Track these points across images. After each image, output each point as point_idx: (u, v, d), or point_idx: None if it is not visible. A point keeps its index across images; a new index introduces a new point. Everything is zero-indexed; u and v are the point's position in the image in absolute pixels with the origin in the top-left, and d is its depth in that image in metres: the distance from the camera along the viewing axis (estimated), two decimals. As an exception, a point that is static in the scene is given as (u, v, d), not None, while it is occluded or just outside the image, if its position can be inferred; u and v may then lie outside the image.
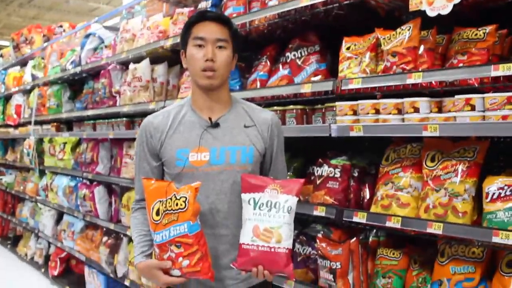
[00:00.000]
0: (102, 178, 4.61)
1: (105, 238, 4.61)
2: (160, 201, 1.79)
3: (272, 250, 1.70)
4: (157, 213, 1.78)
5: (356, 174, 2.57)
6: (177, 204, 1.76)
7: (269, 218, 1.73)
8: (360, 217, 2.32)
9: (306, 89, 2.59)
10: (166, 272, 1.78)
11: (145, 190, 1.84)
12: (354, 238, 2.49)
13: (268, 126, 2.02)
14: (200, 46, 1.89)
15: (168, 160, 1.93)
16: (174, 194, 1.77)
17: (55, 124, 5.80)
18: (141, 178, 1.93)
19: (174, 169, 1.91)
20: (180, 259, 1.74)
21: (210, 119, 1.95)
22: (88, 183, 4.98)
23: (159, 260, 1.81)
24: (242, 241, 1.75)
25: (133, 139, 4.06)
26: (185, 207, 1.75)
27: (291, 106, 2.74)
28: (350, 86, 2.35)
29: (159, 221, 1.77)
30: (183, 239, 1.73)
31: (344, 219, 2.40)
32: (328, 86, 2.47)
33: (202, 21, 1.91)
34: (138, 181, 2.02)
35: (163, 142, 1.94)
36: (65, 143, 5.49)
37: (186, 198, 1.76)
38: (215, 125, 1.94)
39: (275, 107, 2.79)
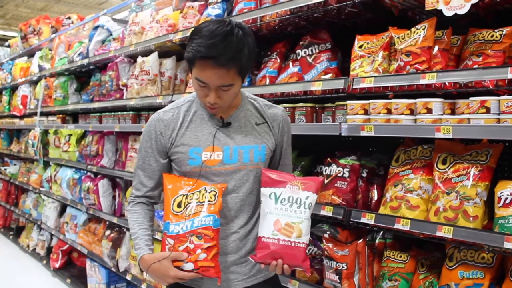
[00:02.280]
0: (106, 172, 4.60)
1: (108, 232, 4.59)
2: (184, 195, 1.80)
3: (293, 244, 1.72)
4: (179, 206, 1.79)
5: (364, 175, 2.54)
6: (206, 197, 1.78)
7: (290, 213, 1.74)
8: (368, 218, 2.30)
9: (317, 86, 2.56)
10: (177, 266, 1.75)
11: (166, 184, 1.84)
12: (361, 239, 2.46)
13: (279, 122, 2.00)
14: (202, 86, 1.78)
15: (180, 159, 1.89)
16: (205, 187, 1.80)
17: (60, 115, 5.78)
18: (163, 174, 1.91)
19: (186, 168, 1.88)
20: (199, 251, 1.73)
21: (221, 118, 1.91)
22: (92, 176, 4.96)
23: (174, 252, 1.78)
24: (262, 234, 1.75)
25: (139, 133, 4.05)
26: (214, 200, 1.78)
27: (301, 104, 2.71)
28: (362, 85, 2.32)
29: (180, 212, 1.78)
30: (206, 231, 1.74)
31: (351, 219, 2.38)
32: (339, 84, 2.44)
33: (205, 62, 1.70)
34: (139, 177, 1.98)
35: (174, 140, 1.90)
36: (70, 135, 5.47)
37: (216, 192, 1.79)
38: (227, 124, 1.91)
39: (285, 105, 2.76)
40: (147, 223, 1.95)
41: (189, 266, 1.74)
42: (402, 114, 2.19)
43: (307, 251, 1.75)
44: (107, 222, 4.73)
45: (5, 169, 7.72)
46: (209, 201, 1.78)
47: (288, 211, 1.74)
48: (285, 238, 1.72)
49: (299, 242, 1.72)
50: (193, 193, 1.80)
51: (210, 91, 1.77)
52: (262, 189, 1.79)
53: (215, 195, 1.79)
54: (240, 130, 1.92)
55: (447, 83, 2.09)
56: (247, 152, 1.89)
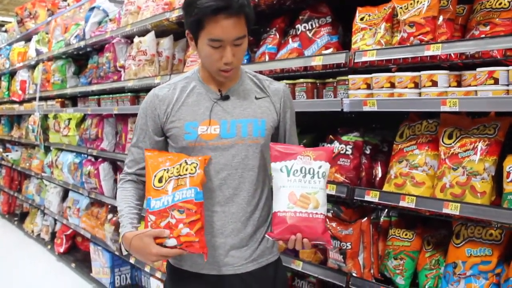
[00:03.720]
0: (107, 155, 4.56)
1: (110, 216, 4.56)
2: (165, 169, 1.74)
3: (311, 216, 1.64)
4: (160, 181, 1.73)
5: (368, 152, 2.48)
6: (187, 169, 1.72)
7: (304, 184, 1.66)
8: (372, 196, 2.24)
9: (317, 61, 2.49)
10: (159, 244, 1.67)
11: (148, 160, 1.78)
12: (366, 218, 2.41)
13: (281, 97, 1.93)
14: (216, 47, 1.71)
15: (175, 134, 1.83)
16: (185, 160, 1.74)
17: (59, 100, 5.74)
18: (144, 150, 1.85)
19: (182, 143, 1.82)
20: (181, 225, 1.66)
21: (220, 91, 1.85)
22: (93, 159, 4.93)
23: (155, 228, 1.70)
24: (277, 209, 1.67)
25: (138, 115, 3.99)
26: (195, 172, 1.72)
27: (301, 80, 2.64)
28: (364, 59, 2.24)
29: (161, 187, 1.72)
30: (187, 205, 1.68)
31: (355, 198, 2.33)
32: (340, 58, 2.37)
33: (214, 18, 1.65)
34: (133, 154, 1.93)
35: (169, 115, 1.84)
36: (69, 119, 5.43)
37: (197, 164, 1.73)
38: (225, 97, 1.85)
39: (285, 81, 2.69)
40: (135, 201, 1.88)
41: (172, 242, 1.67)
42: (406, 87, 2.11)
43: (326, 222, 1.67)
44: (109, 206, 4.70)
45: (7, 155, 7.69)
46: (190, 173, 1.72)
47: (302, 182, 1.66)
48: (301, 210, 1.63)
49: (317, 213, 1.64)
50: (173, 167, 1.74)
51: (225, 50, 1.70)
52: (273, 164, 1.72)
53: (196, 167, 1.73)
54: (239, 103, 1.86)
55: (452, 54, 2.01)
56: (245, 126, 1.83)
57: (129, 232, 1.74)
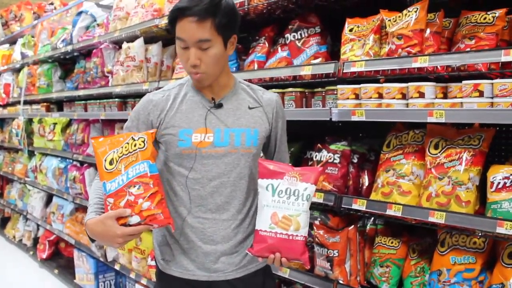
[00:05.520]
0: (93, 160, 4.51)
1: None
2: (114, 151, 1.74)
3: (290, 238, 1.68)
4: (111, 163, 1.72)
5: (355, 160, 2.53)
6: (135, 145, 1.73)
7: (288, 205, 1.70)
8: (359, 204, 2.28)
9: (306, 71, 2.53)
10: (123, 224, 1.66)
11: (95, 148, 1.76)
12: (352, 226, 2.45)
13: (273, 107, 1.97)
14: (184, 48, 1.76)
15: (169, 141, 1.85)
16: (132, 137, 1.75)
17: (45, 104, 5.69)
18: (90, 139, 1.86)
19: (175, 150, 1.84)
20: (140, 200, 1.66)
21: (213, 99, 1.88)
22: (78, 165, 4.91)
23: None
24: (259, 228, 1.72)
25: (126, 121, 3.98)
26: (144, 146, 1.73)
27: (290, 89, 2.68)
28: (353, 69, 2.29)
29: (113, 169, 1.71)
30: (143, 179, 1.68)
31: (343, 206, 2.36)
32: (329, 68, 2.41)
33: (181, 18, 1.72)
34: None
35: (163, 120, 1.86)
36: (55, 124, 5.40)
37: (144, 138, 1.74)
38: (219, 105, 1.87)
39: (274, 90, 2.71)
40: None
41: (135, 219, 1.66)
42: (393, 98, 2.17)
43: (306, 244, 1.71)
44: (94, 212, 4.67)
45: (-11, 159, 7.61)
46: (139, 148, 1.72)
47: (285, 204, 1.70)
48: (282, 231, 1.68)
49: (297, 236, 1.68)
50: (121, 147, 1.74)
51: (190, 53, 1.74)
52: (259, 181, 1.75)
53: (144, 141, 1.73)
54: (232, 112, 1.88)
55: (439, 67, 2.06)
56: (238, 135, 1.86)
57: (91, 219, 1.72)
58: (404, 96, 2.15)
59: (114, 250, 4.23)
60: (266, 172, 1.74)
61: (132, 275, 3.97)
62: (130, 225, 1.66)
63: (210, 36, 1.72)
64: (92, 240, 1.74)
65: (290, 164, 1.88)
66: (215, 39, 1.74)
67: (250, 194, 1.93)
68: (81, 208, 5.05)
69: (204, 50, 1.74)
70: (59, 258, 5.69)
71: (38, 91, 5.69)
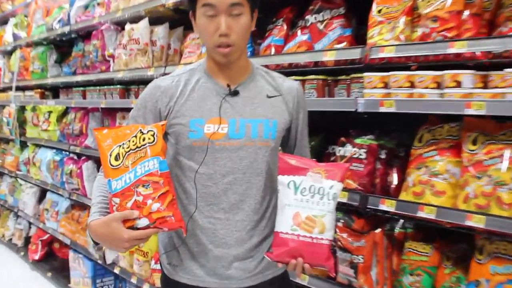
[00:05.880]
0: (91, 153, 4.57)
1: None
2: (120, 145, 1.73)
3: (314, 241, 1.67)
4: (117, 158, 1.72)
5: (383, 156, 2.52)
6: (144, 139, 1.71)
7: (312, 205, 1.69)
8: (388, 205, 2.28)
9: (329, 57, 2.52)
10: (130, 227, 1.66)
11: (99, 140, 1.76)
12: (379, 229, 2.45)
13: (294, 96, 1.96)
14: (211, 16, 1.74)
15: (179, 131, 1.85)
16: (140, 130, 1.73)
17: (39, 90, 5.74)
18: (93, 130, 1.86)
19: (185, 142, 1.84)
20: (149, 201, 1.65)
21: (228, 86, 1.87)
22: (75, 157, 4.95)
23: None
24: (280, 229, 1.71)
25: (128, 109, 4.01)
26: (154, 140, 1.71)
27: (312, 76, 2.67)
28: (381, 55, 2.28)
29: (119, 165, 1.70)
30: (152, 177, 1.67)
31: (368, 206, 2.36)
32: (355, 54, 2.40)
33: None
34: None
35: (172, 109, 1.86)
36: (50, 112, 5.44)
37: (154, 132, 1.72)
38: (234, 93, 1.87)
39: (293, 77, 2.71)
40: None
41: (144, 222, 1.65)
42: (427, 88, 2.15)
43: (331, 248, 1.70)
44: (92, 209, 4.71)
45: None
46: (149, 143, 1.71)
47: (309, 203, 1.69)
48: (305, 233, 1.67)
49: (321, 239, 1.67)
50: (128, 140, 1.73)
51: (219, 19, 1.72)
52: (280, 177, 1.74)
53: (153, 135, 1.72)
54: (249, 101, 1.88)
55: (478, 53, 2.04)
56: (255, 127, 1.85)
57: (94, 220, 1.72)
58: (438, 86, 2.13)
59: (114, 252, 4.26)
60: (288, 167, 1.74)
61: (134, 280, 4.00)
62: (137, 228, 1.66)
63: (241, 0, 1.73)
64: (96, 243, 1.75)
65: (313, 160, 1.87)
66: (246, 6, 1.75)
67: (267, 192, 1.93)
68: (78, 205, 5.09)
69: (235, 18, 1.73)
70: (52, 260, 5.75)
71: (32, 76, 5.73)
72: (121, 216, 1.64)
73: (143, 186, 1.66)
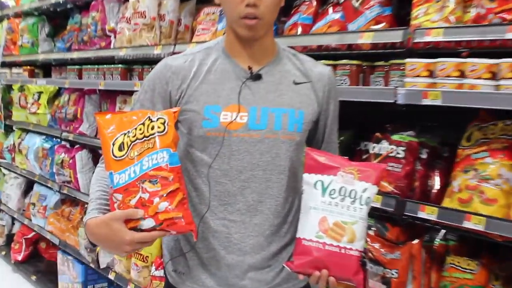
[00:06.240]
0: (86, 140, 4.59)
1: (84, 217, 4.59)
2: (125, 134, 1.73)
3: (342, 251, 1.67)
4: (121, 148, 1.72)
5: (424, 156, 2.51)
6: (153, 128, 1.71)
7: (341, 209, 1.69)
8: (428, 213, 2.27)
9: (365, 39, 2.51)
10: (133, 228, 1.65)
11: (101, 126, 1.76)
12: (417, 240, 2.44)
13: (325, 84, 1.96)
14: None
15: (191, 119, 1.86)
16: (149, 116, 1.73)
17: (28, 67, 5.77)
18: (94, 114, 1.86)
19: (198, 131, 1.85)
20: (156, 199, 1.64)
21: (250, 68, 1.87)
22: (68, 145, 4.97)
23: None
24: (303, 236, 1.71)
25: (130, 92, 4.03)
26: (164, 130, 1.71)
27: (345, 61, 2.67)
28: (427, 39, 2.26)
29: (123, 156, 1.70)
30: (161, 172, 1.66)
31: (406, 213, 2.35)
32: (396, 36, 2.39)
33: None
34: None
35: (184, 93, 1.86)
36: (40, 93, 5.46)
37: (165, 120, 1.72)
38: (257, 77, 1.87)
39: (322, 61, 2.70)
40: None
41: (149, 223, 1.65)
42: (479, 78, 2.13)
43: (361, 261, 1.70)
44: (86, 205, 4.69)
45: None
46: (158, 132, 1.70)
47: (338, 207, 1.69)
48: (332, 242, 1.67)
49: (351, 249, 1.67)
50: (135, 128, 1.73)
51: None
52: (306, 176, 1.74)
53: (164, 123, 1.71)
54: (273, 87, 1.88)
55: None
56: (279, 117, 1.85)
57: (92, 219, 1.72)
58: (493, 76, 2.11)
59: (108, 255, 4.27)
60: (315, 165, 1.74)
61: (131, 287, 4.01)
62: (142, 230, 1.66)
63: None
64: (93, 245, 1.76)
65: (345, 157, 1.86)
66: None
67: (290, 193, 1.93)
68: (69, 200, 5.12)
69: None
70: (38, 262, 5.80)
71: (20, 51, 5.76)
72: (123, 215, 1.64)
73: (150, 181, 1.66)
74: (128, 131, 1.73)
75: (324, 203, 1.70)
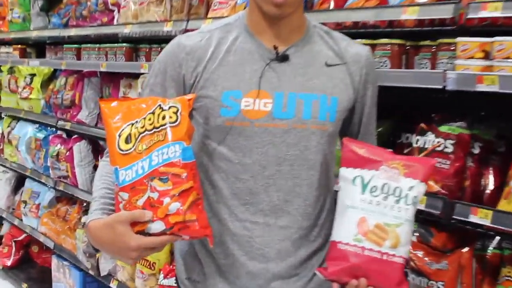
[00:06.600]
0: (85, 130, 4.61)
1: (85, 218, 4.61)
2: (132, 124, 1.73)
3: (384, 257, 1.66)
4: (127, 140, 1.72)
5: (477, 151, 2.48)
6: (164, 118, 1.71)
7: (384, 209, 1.68)
8: (481, 217, 2.24)
9: (409, 14, 2.48)
10: (140, 232, 1.65)
11: (106, 114, 1.77)
12: (467, 248, 2.43)
13: (362, 66, 1.95)
14: None
15: (207, 106, 1.86)
16: (160, 105, 1.73)
17: (19, 46, 5.80)
18: (98, 100, 1.86)
19: (216, 120, 1.85)
20: (167, 200, 1.64)
21: (275, 48, 1.86)
22: (64, 135, 5.00)
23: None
24: (339, 239, 1.71)
25: (136, 75, 4.04)
26: (177, 120, 1.70)
27: (385, 40, 2.65)
28: (483, 14, 2.23)
29: (130, 150, 1.71)
30: (172, 169, 1.66)
31: (454, 217, 2.33)
32: (445, 11, 2.35)
33: None
34: None
35: (200, 76, 1.86)
36: (33, 76, 5.49)
37: (178, 109, 1.71)
38: (283, 58, 1.86)
39: (358, 40, 2.69)
40: None
41: (158, 226, 1.64)
42: (544, 60, 2.12)
43: (405, 269, 1.69)
44: (85, 204, 4.76)
45: None
46: (170, 122, 1.70)
47: (380, 206, 1.68)
48: (373, 246, 1.66)
49: (394, 255, 1.66)
50: (144, 118, 1.73)
51: None
52: (343, 170, 1.74)
53: (177, 112, 1.71)
54: (302, 70, 1.87)
55: None
56: (309, 104, 1.84)
57: (95, 220, 1.73)
58: (562, 58, 2.10)
59: (110, 261, 4.29)
60: (354, 158, 1.74)
61: (135, 297, 4.04)
62: (150, 234, 1.66)
63: None
64: (96, 250, 1.77)
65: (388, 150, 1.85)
66: None
67: (322, 191, 1.93)
68: (65, 198, 5.16)
69: None
70: (29, 267, 5.85)
71: (10, 28, 5.80)
72: (129, 217, 1.65)
73: (160, 179, 1.66)
74: (136, 121, 1.73)
75: (364, 201, 1.70)
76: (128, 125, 1.74)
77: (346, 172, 1.73)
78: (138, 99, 1.82)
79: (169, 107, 1.72)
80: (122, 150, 1.71)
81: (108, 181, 1.83)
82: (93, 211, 1.78)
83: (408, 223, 1.69)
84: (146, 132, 1.71)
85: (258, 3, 1.82)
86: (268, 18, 1.84)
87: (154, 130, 1.71)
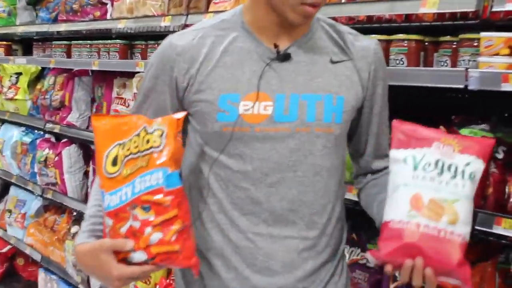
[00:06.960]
0: (75, 133, 4.62)
1: (75, 228, 4.62)
2: (120, 144, 1.74)
3: (442, 234, 1.62)
4: (114, 163, 1.73)
5: (500, 156, 2.47)
6: (148, 142, 1.70)
7: (439, 185, 1.66)
8: (505, 227, 2.23)
9: (429, 7, 2.48)
10: (123, 259, 1.68)
11: (97, 131, 1.79)
12: (490, 261, 2.42)
13: (371, 62, 1.94)
14: None
15: (203, 111, 1.85)
16: (145, 127, 1.73)
17: (4, 43, 5.82)
18: (92, 117, 1.88)
19: (213, 126, 1.84)
20: (148, 230, 1.65)
21: (276, 46, 1.85)
22: (53, 139, 5.00)
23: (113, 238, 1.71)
24: (391, 217, 1.68)
25: (131, 74, 4.05)
26: (160, 145, 1.69)
27: (401, 36, 2.65)
28: (510, 7, 2.22)
29: (117, 173, 1.72)
30: (154, 197, 1.66)
31: (476, 227, 2.32)
32: (468, 4, 2.35)
33: None
34: None
35: (194, 79, 1.85)
36: (19, 75, 5.50)
37: (163, 132, 1.71)
38: (285, 57, 1.85)
39: (373, 36, 2.68)
40: None
41: (140, 256, 1.66)
42: None
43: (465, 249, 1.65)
44: (75, 213, 4.76)
45: None
46: (153, 147, 1.69)
47: (435, 182, 1.66)
48: (428, 222, 1.62)
49: (452, 232, 1.62)
50: (130, 139, 1.73)
51: None
52: (393, 152, 1.74)
53: (161, 135, 1.70)
54: (305, 68, 1.86)
55: None
56: (312, 106, 1.84)
57: (81, 244, 1.76)
58: None
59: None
60: (405, 139, 1.73)
61: (128, 315, 4.03)
62: (132, 263, 1.68)
63: None
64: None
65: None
66: None
67: (330, 199, 1.92)
68: (54, 207, 5.17)
69: None
70: (14, 281, 5.86)
71: (-6, 23, 5.80)
72: (111, 246, 1.68)
73: (142, 208, 1.67)
74: (124, 142, 1.74)
75: (417, 178, 1.68)
76: (115, 145, 1.75)
77: (396, 154, 1.73)
78: (128, 117, 1.83)
79: (154, 130, 1.71)
80: (108, 173, 1.73)
81: (100, 198, 1.83)
82: (82, 233, 1.81)
83: (467, 200, 1.66)
84: (132, 156, 1.72)
85: (280, 8, 1.77)
86: (285, 23, 1.83)
87: (139, 154, 1.71)
